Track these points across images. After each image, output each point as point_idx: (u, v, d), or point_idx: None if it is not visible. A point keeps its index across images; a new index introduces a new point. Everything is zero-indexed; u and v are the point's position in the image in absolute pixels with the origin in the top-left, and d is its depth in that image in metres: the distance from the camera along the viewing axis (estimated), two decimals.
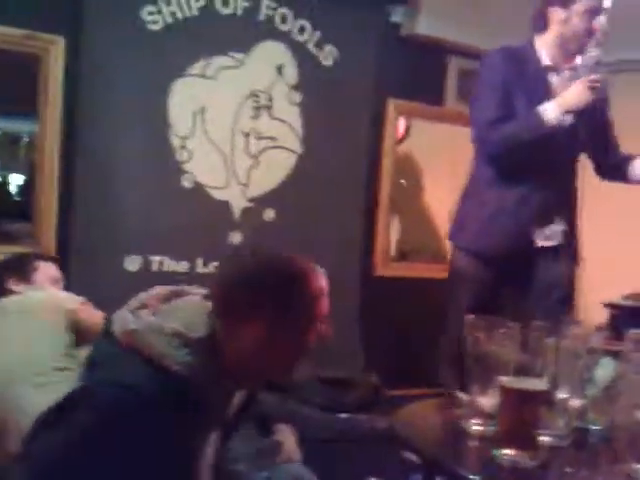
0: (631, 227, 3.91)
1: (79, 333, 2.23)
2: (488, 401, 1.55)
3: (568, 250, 2.74)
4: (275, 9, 3.49)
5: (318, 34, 3.59)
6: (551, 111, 2.53)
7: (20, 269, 2.51)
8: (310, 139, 3.60)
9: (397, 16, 3.92)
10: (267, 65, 3.51)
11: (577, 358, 1.58)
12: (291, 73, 3.55)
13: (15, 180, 5.11)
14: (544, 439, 1.47)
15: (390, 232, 4.07)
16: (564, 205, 2.74)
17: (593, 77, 2.51)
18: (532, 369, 1.50)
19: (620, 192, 3.00)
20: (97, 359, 1.28)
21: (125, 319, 1.26)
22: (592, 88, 2.51)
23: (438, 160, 4.19)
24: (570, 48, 2.62)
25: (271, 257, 1.31)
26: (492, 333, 1.57)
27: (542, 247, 2.69)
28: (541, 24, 2.67)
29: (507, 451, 1.39)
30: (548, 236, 2.69)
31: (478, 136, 2.70)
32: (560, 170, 2.70)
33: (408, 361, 3.77)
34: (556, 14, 2.60)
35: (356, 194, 3.77)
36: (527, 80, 2.63)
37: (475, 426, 1.56)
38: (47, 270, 2.56)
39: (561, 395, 1.56)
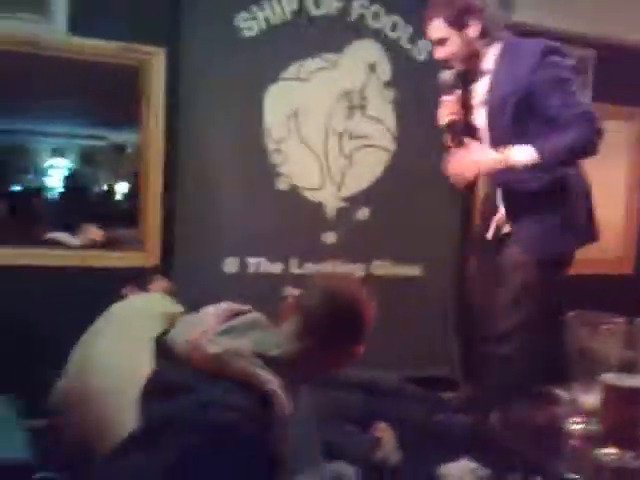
0: None
1: None
2: (590, 399, 1.50)
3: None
4: (367, 7, 3.49)
5: (410, 29, 3.56)
6: None
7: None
8: (404, 136, 3.57)
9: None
10: (360, 64, 3.51)
11: None
12: (384, 70, 3.54)
13: (121, 188, 5.37)
14: None
15: None
16: None
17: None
18: (637, 366, 1.44)
19: None
20: (175, 384, 1.34)
21: (197, 343, 1.35)
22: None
23: None
24: None
25: (336, 294, 1.54)
26: (596, 329, 1.52)
27: None
28: None
29: (610, 450, 1.34)
30: None
31: None
32: None
33: None
34: None
35: (453, 191, 3.71)
36: None
37: (576, 424, 1.52)
38: (161, 282, 2.69)
39: None
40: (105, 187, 6.17)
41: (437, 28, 2.52)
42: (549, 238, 2.60)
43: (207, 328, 1.40)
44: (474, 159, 2.50)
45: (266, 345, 1.41)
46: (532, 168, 2.41)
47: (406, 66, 3.57)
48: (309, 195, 3.43)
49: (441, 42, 2.54)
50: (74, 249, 3.36)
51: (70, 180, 6.50)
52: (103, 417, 2.11)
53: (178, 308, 2.40)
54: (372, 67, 3.52)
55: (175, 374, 1.37)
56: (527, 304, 2.57)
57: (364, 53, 3.51)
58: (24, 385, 2.34)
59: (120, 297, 2.51)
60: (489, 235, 2.72)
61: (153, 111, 3.24)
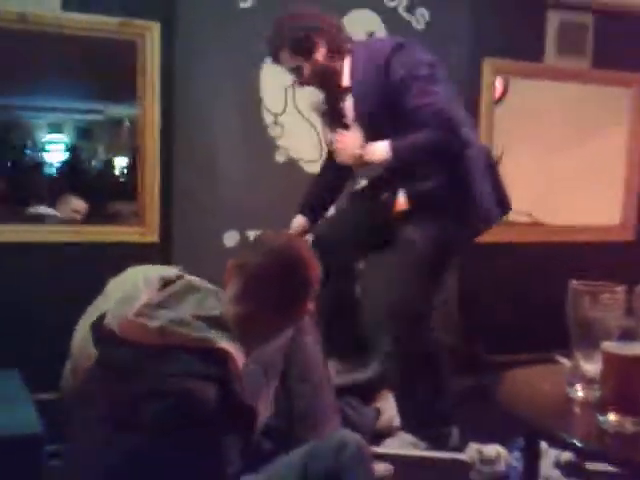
0: None
1: None
2: (592, 367, 1.51)
3: None
4: None
5: None
6: None
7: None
8: None
9: None
10: (358, 33, 3.46)
11: None
12: None
13: (119, 163, 5.35)
14: None
15: None
16: None
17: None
18: (638, 334, 1.44)
19: None
20: (129, 368, 1.30)
21: (136, 322, 1.31)
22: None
23: (540, 119, 4.03)
24: None
25: (278, 250, 1.47)
26: (596, 298, 1.52)
27: None
28: None
29: (612, 417, 1.34)
30: None
31: None
32: None
33: (511, 327, 3.70)
34: None
35: None
36: None
37: (579, 392, 1.52)
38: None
39: None
40: (103, 162, 6.15)
41: (285, 59, 2.54)
42: (445, 231, 2.56)
43: (141, 302, 1.36)
44: (347, 145, 2.51)
45: (206, 307, 1.36)
46: (390, 164, 2.44)
47: (404, 35, 3.50)
48: (307, 167, 3.41)
49: (294, 70, 2.56)
50: (71, 224, 3.36)
51: (68, 155, 6.48)
52: None
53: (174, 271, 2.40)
54: (370, 36, 3.48)
55: (122, 358, 1.32)
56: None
57: (362, 22, 3.46)
58: (29, 359, 2.35)
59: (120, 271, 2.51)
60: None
61: (150, 85, 3.22)
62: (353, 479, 1.47)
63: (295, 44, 2.48)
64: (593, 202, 4.15)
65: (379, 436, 2.60)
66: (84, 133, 6.67)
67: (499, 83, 3.96)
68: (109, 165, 6.01)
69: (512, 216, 4.17)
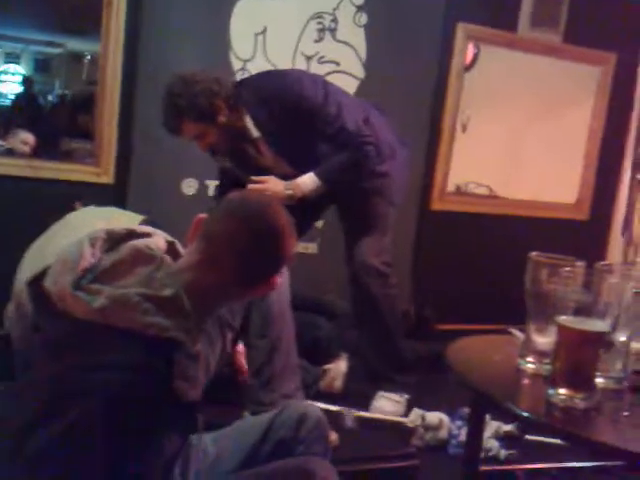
0: None
1: None
2: (545, 340, 1.51)
3: None
4: None
5: None
6: None
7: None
8: (374, 64, 3.50)
9: None
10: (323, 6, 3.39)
11: None
12: None
13: (77, 99, 5.17)
14: (600, 381, 1.42)
15: (449, 165, 3.95)
16: None
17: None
18: (594, 310, 1.44)
19: None
20: (65, 341, 1.19)
21: (75, 296, 1.17)
22: None
23: (507, 90, 4.02)
24: None
25: (252, 218, 1.30)
26: (555, 271, 1.51)
27: None
28: None
29: (561, 391, 1.35)
30: None
31: None
32: None
33: (464, 296, 3.73)
34: None
35: (419, 124, 3.67)
36: None
37: (530, 364, 1.52)
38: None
39: (621, 337, 1.49)
40: (60, 96, 5.95)
41: (189, 129, 2.51)
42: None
43: (82, 267, 1.20)
44: (275, 192, 2.50)
45: (157, 284, 1.20)
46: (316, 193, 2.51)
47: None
48: None
49: (199, 137, 2.53)
50: (22, 158, 3.24)
51: (23, 88, 6.24)
52: None
53: (138, 217, 2.33)
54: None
55: (61, 331, 1.19)
56: None
57: None
58: None
59: (72, 209, 2.43)
60: None
61: (115, 17, 3.09)
62: (309, 451, 1.45)
63: (197, 112, 2.45)
64: (552, 179, 4.18)
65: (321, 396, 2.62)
66: (42, 65, 6.45)
67: (470, 50, 3.92)
68: (66, 100, 5.83)
69: (470, 187, 4.21)
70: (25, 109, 5.38)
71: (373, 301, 2.64)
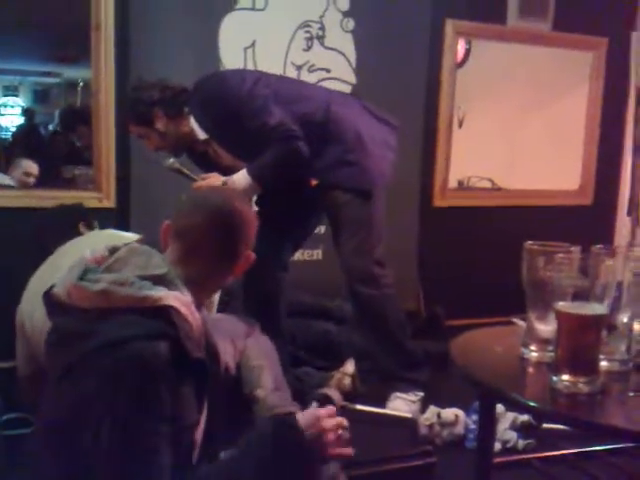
0: None
1: None
2: (546, 327, 1.51)
3: None
4: None
5: None
6: None
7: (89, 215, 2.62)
8: (365, 68, 3.52)
9: None
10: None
11: None
12: None
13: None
14: (605, 364, 1.42)
15: (449, 161, 3.95)
16: None
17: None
18: (592, 294, 1.44)
19: None
20: (75, 332, 1.30)
21: (80, 286, 1.30)
22: None
23: (502, 82, 4.02)
24: None
25: (214, 209, 1.46)
26: (551, 258, 1.51)
27: None
28: None
29: (565, 377, 1.35)
30: None
31: None
32: None
33: (472, 291, 3.72)
34: None
35: (414, 123, 3.68)
36: None
37: (533, 353, 1.53)
38: None
39: (623, 319, 1.49)
40: (60, 125, 6.01)
41: (133, 129, 2.69)
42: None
43: (85, 267, 1.35)
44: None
45: (151, 266, 1.35)
46: (252, 192, 2.53)
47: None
48: None
49: (143, 138, 2.68)
50: (25, 189, 3.28)
51: (24, 119, 6.31)
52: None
53: (135, 237, 2.37)
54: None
55: (70, 324, 1.31)
56: None
57: None
58: None
59: (78, 232, 2.47)
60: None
61: (104, 41, 3.12)
62: None
63: (136, 117, 2.62)
64: (553, 167, 4.17)
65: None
66: (41, 96, 6.52)
67: (461, 46, 3.93)
68: (66, 129, 5.89)
69: (472, 181, 4.21)
70: (27, 140, 5.44)
71: (367, 303, 2.62)
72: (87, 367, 1.24)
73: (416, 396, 2.66)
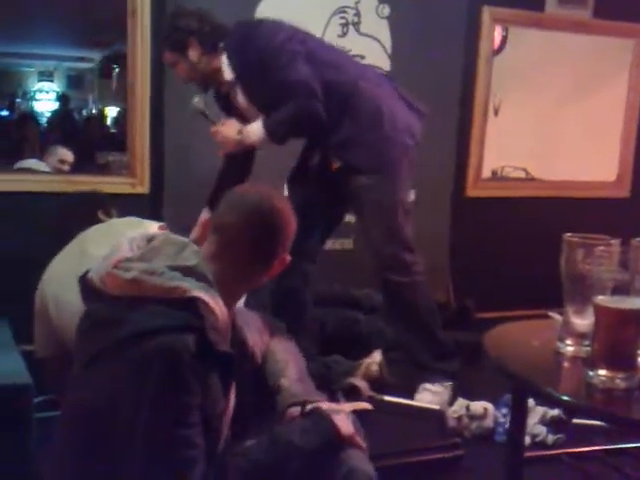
0: None
1: None
2: (583, 321, 1.48)
3: None
4: None
5: None
6: None
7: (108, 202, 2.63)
8: (400, 55, 3.47)
9: None
10: None
11: None
12: None
13: (110, 112, 5.27)
14: None
15: (483, 150, 3.89)
16: None
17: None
18: (632, 288, 1.41)
19: None
20: (106, 319, 1.32)
21: (113, 274, 1.33)
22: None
23: (539, 70, 3.95)
24: None
25: (254, 207, 1.46)
26: (590, 251, 1.48)
27: None
28: None
29: (601, 372, 1.32)
30: None
31: None
32: None
33: (504, 283, 3.68)
34: None
35: (449, 112, 3.63)
36: None
37: (569, 347, 1.50)
38: None
39: None
40: (94, 111, 6.06)
41: (166, 56, 2.69)
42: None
43: (120, 257, 1.36)
44: (225, 135, 2.60)
45: (183, 257, 1.37)
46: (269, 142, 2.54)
47: None
48: None
49: (173, 66, 2.69)
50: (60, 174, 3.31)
51: (58, 105, 6.38)
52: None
53: (156, 224, 2.39)
54: None
55: (102, 310, 1.34)
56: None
57: None
58: (19, 309, 2.33)
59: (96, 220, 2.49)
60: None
61: (139, 27, 3.12)
62: None
63: (170, 43, 2.63)
64: (589, 157, 4.10)
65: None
66: (75, 81, 6.57)
67: (498, 33, 3.87)
68: (100, 115, 5.94)
69: (506, 171, 4.15)
70: (61, 126, 5.50)
71: (397, 291, 2.60)
72: (117, 355, 1.26)
73: (444, 386, 2.63)
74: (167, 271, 1.31)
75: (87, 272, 1.40)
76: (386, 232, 2.58)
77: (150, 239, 1.44)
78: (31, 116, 5.66)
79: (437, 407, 2.52)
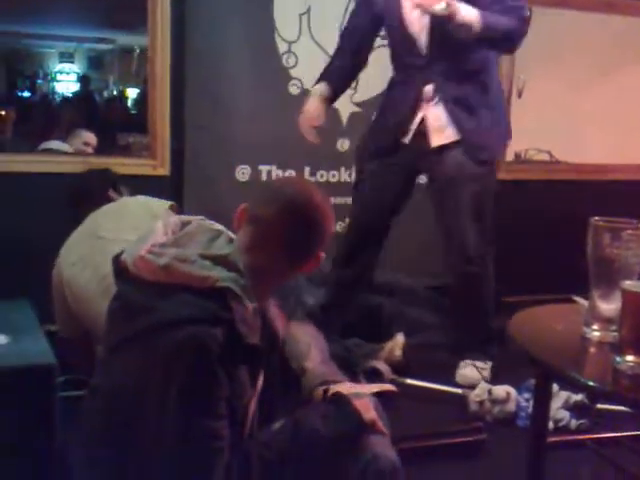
0: None
1: None
2: (609, 306, 1.46)
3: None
4: None
5: None
6: None
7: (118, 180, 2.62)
8: None
9: None
10: None
11: None
12: None
13: (131, 93, 5.27)
14: None
15: None
16: None
17: None
18: None
19: None
20: (137, 304, 1.31)
21: (146, 258, 1.31)
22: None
23: (563, 51, 3.89)
24: None
25: (293, 201, 1.41)
26: (617, 235, 1.46)
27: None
28: None
29: (629, 358, 1.31)
30: None
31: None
32: None
33: (530, 268, 3.64)
34: None
35: None
36: None
37: (595, 332, 1.48)
38: None
39: None
40: (115, 92, 6.07)
41: None
42: (489, 137, 2.59)
43: (154, 242, 1.35)
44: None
45: (215, 246, 1.35)
46: (466, 33, 2.38)
47: None
48: None
49: None
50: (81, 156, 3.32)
51: (79, 86, 6.39)
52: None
53: (167, 203, 2.38)
54: None
55: (133, 294, 1.33)
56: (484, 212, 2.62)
57: None
58: (39, 289, 2.35)
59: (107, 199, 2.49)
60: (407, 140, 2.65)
61: (160, 10, 3.10)
62: None
63: None
64: (617, 139, 4.03)
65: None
66: (95, 63, 6.58)
67: None
68: (120, 96, 5.94)
69: (530, 154, 4.10)
70: (83, 107, 5.51)
71: (471, 282, 2.63)
72: (144, 344, 1.26)
73: (486, 364, 2.67)
74: (199, 259, 1.30)
75: (121, 253, 1.39)
76: (484, 228, 2.60)
77: (185, 223, 1.42)
78: (51, 97, 5.69)
79: (460, 391, 2.52)
